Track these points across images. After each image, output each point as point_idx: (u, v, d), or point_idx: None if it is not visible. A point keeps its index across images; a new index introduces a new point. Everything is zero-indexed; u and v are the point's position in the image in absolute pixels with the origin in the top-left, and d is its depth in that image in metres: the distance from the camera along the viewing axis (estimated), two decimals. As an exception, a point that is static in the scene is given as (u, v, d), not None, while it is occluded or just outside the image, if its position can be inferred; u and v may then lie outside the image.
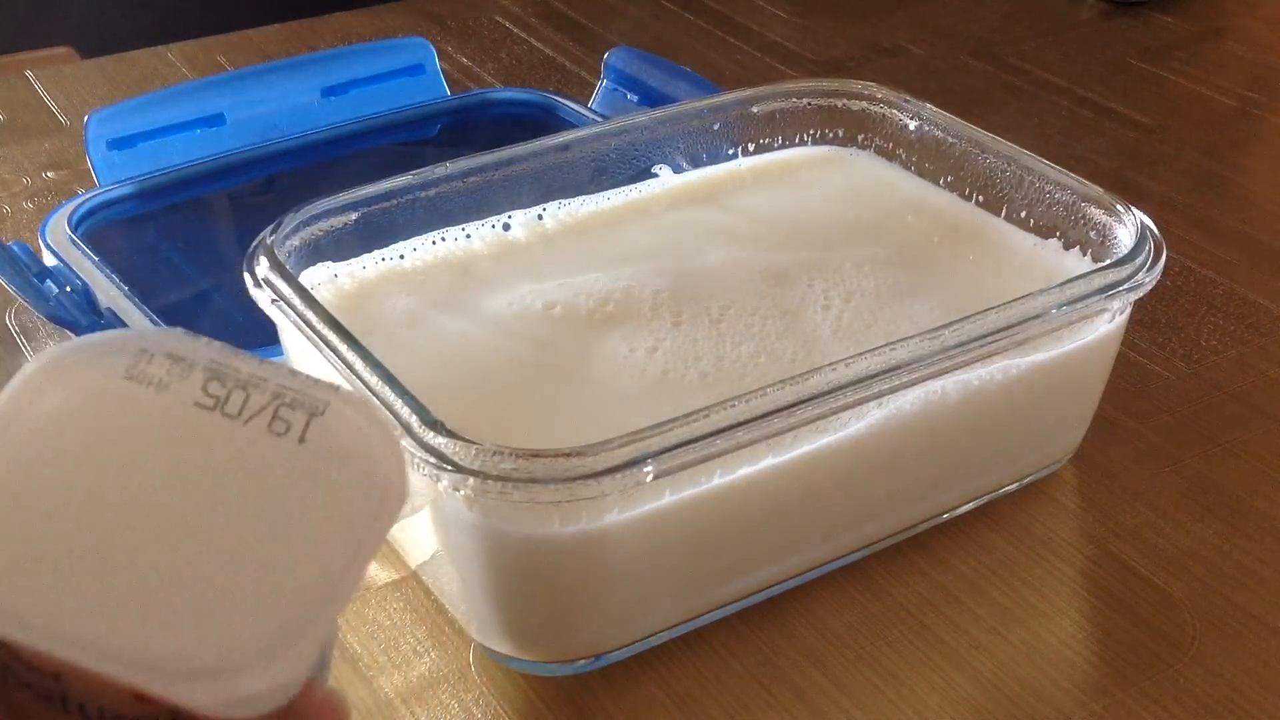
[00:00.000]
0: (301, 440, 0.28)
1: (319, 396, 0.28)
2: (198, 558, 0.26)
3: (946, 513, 0.48)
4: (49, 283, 0.57)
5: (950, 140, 0.55)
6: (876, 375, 0.40)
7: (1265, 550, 0.47)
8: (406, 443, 0.38)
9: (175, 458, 0.28)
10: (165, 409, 0.29)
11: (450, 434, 0.37)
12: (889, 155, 0.58)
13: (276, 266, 0.45)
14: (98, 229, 0.63)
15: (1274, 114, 0.80)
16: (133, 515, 0.27)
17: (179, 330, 0.30)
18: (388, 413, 0.39)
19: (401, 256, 0.51)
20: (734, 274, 0.50)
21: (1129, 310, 0.47)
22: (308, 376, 0.29)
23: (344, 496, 0.27)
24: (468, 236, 0.52)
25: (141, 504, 0.27)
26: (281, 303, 0.44)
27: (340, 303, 0.49)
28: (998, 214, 0.53)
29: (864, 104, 0.58)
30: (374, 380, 0.39)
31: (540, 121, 0.73)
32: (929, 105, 0.56)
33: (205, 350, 0.30)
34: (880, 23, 0.92)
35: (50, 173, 0.73)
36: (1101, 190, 0.50)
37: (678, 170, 0.57)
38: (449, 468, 0.37)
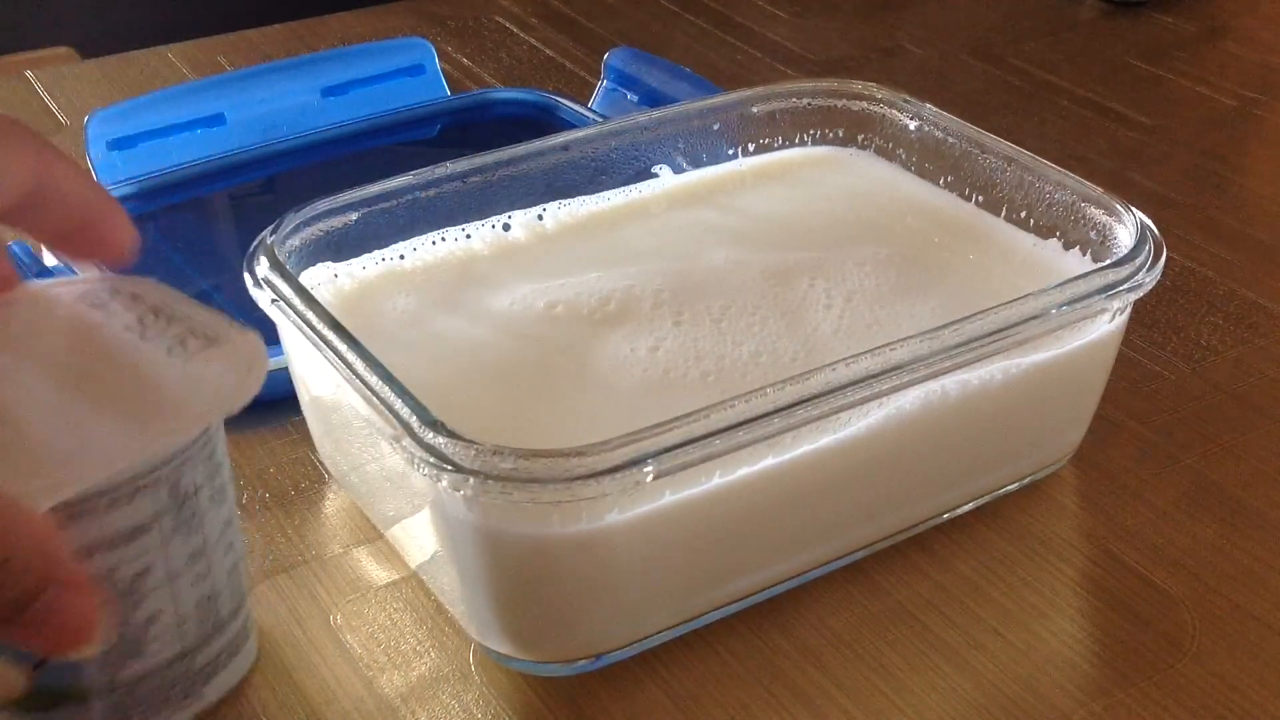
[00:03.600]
0: (188, 360, 0.36)
1: (224, 333, 0.37)
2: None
3: (946, 513, 0.48)
4: (49, 283, 0.57)
5: (950, 140, 0.55)
6: (877, 375, 0.41)
7: (1265, 550, 0.47)
8: (407, 443, 0.38)
9: (81, 350, 0.36)
10: (97, 325, 0.37)
11: (450, 434, 0.37)
12: (889, 155, 0.58)
13: (276, 266, 0.45)
14: (98, 229, 0.63)
15: (1274, 114, 0.80)
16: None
17: (154, 281, 0.39)
18: (390, 412, 0.39)
19: (401, 256, 0.51)
20: (735, 274, 0.50)
21: (1129, 310, 0.47)
22: (230, 320, 0.37)
23: (191, 402, 0.35)
24: (468, 237, 0.52)
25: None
26: (281, 303, 0.44)
27: (340, 303, 0.49)
28: (998, 214, 0.53)
29: (864, 104, 0.58)
30: (374, 380, 0.39)
31: (540, 121, 0.73)
32: (929, 105, 0.56)
33: (165, 295, 0.38)
34: (880, 23, 0.92)
35: (50, 173, 0.73)
36: (1101, 190, 0.50)
37: (678, 170, 0.57)
38: (449, 468, 0.37)
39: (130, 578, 0.37)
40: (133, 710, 0.38)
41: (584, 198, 0.55)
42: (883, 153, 0.58)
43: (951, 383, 0.43)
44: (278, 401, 0.53)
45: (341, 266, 0.50)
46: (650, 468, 0.37)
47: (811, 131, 0.59)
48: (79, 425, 0.35)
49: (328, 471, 0.51)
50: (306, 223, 0.48)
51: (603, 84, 0.74)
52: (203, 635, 0.39)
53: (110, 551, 0.36)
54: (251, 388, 0.36)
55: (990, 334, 0.43)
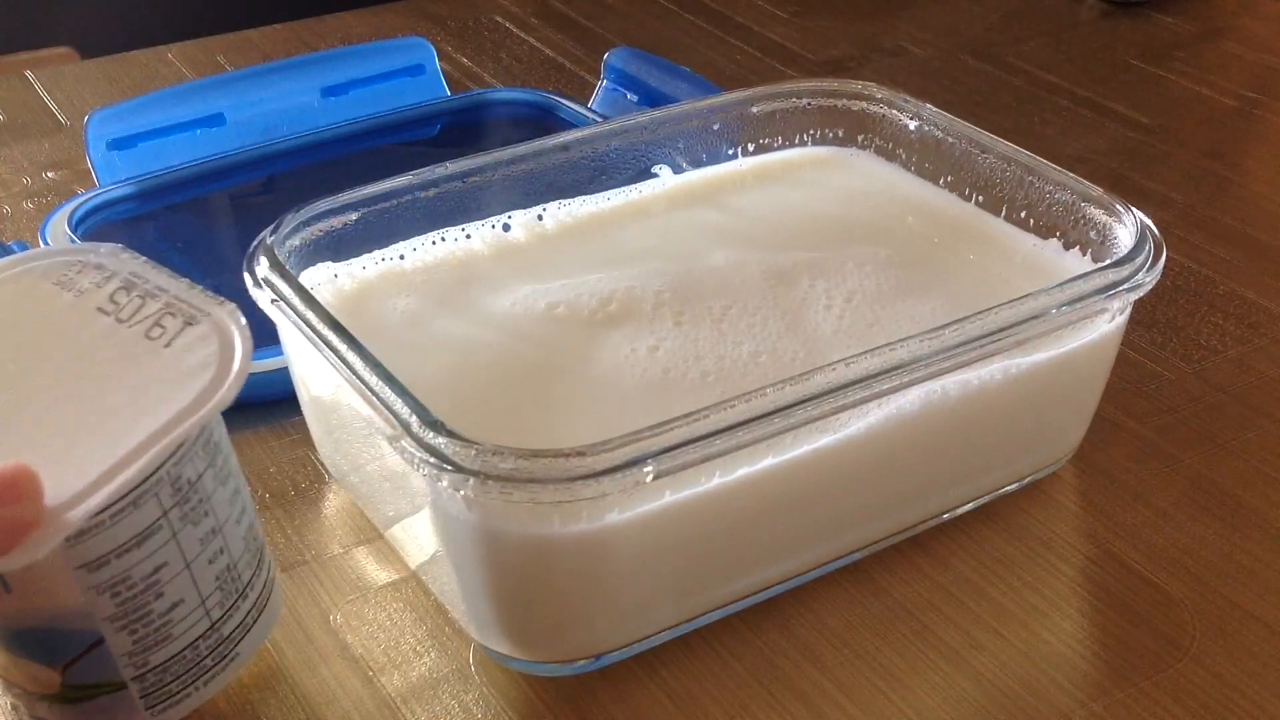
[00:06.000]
0: (168, 345, 0.36)
1: (200, 309, 0.37)
2: (40, 418, 0.35)
3: (946, 513, 0.48)
4: (49, 283, 0.57)
5: (950, 140, 0.55)
6: (877, 375, 0.41)
7: (1265, 550, 0.47)
8: (406, 443, 0.38)
9: (58, 345, 0.37)
10: (69, 309, 0.37)
11: (450, 434, 0.37)
12: (889, 155, 0.58)
13: (276, 266, 0.45)
14: (98, 229, 0.63)
15: (1274, 114, 0.80)
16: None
17: (118, 246, 0.39)
18: (389, 412, 0.39)
19: (401, 256, 0.51)
20: (735, 274, 0.50)
21: (1129, 310, 0.47)
22: (204, 292, 0.38)
23: (179, 396, 0.35)
24: (468, 237, 0.52)
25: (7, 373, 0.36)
26: (281, 303, 0.44)
27: (340, 303, 0.49)
28: (998, 214, 0.53)
29: (864, 104, 0.58)
30: (374, 380, 0.39)
31: (540, 121, 0.73)
32: (929, 105, 0.56)
33: (131, 264, 0.38)
34: (880, 23, 0.92)
35: (50, 173, 0.73)
36: (1101, 190, 0.50)
37: (678, 170, 0.57)
38: (449, 468, 0.37)
39: (146, 575, 0.37)
40: (171, 687, 0.39)
41: (584, 198, 0.55)
42: (883, 153, 0.58)
43: (952, 383, 0.44)
44: (278, 401, 0.53)
45: (341, 266, 0.50)
46: (650, 468, 0.37)
47: (811, 131, 0.59)
48: (67, 451, 0.34)
49: (328, 471, 0.51)
50: (306, 223, 0.48)
51: (603, 84, 0.74)
52: (228, 605, 0.40)
53: (121, 558, 0.36)
54: (238, 377, 0.35)
55: (990, 334, 0.43)
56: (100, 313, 0.38)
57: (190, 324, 0.37)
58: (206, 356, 0.36)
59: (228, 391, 0.35)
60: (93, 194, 0.64)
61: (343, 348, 0.41)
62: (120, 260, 0.39)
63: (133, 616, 0.37)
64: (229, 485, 0.39)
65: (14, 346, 0.38)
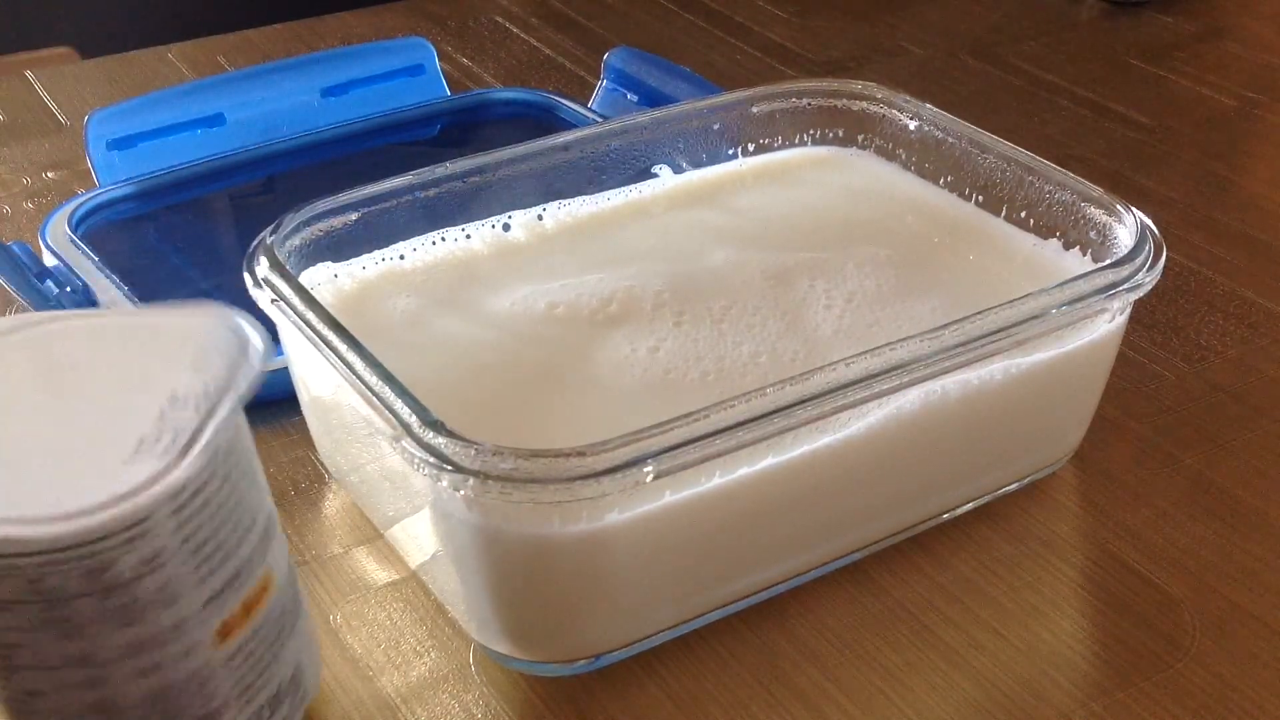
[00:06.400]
0: (133, 460, 0.33)
1: (189, 449, 0.33)
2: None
3: (946, 513, 0.48)
4: (49, 283, 0.57)
5: (950, 140, 0.55)
6: (877, 375, 0.40)
7: (1265, 550, 0.47)
8: (406, 443, 0.38)
9: (90, 391, 0.35)
10: (148, 365, 0.36)
11: (450, 434, 0.37)
12: (889, 155, 0.58)
13: (276, 266, 0.45)
14: (98, 229, 0.63)
15: (1274, 114, 0.80)
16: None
17: (267, 340, 0.36)
18: (390, 412, 0.39)
19: (401, 256, 0.51)
20: (735, 274, 0.50)
21: (1129, 310, 0.47)
22: (211, 421, 0.34)
23: (63, 509, 0.32)
24: (468, 237, 0.52)
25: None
26: (281, 303, 0.44)
27: (340, 303, 0.49)
28: (998, 214, 0.53)
29: (864, 104, 0.58)
30: (374, 380, 0.39)
31: (540, 121, 0.73)
32: (929, 105, 0.56)
33: (240, 353, 0.36)
34: (880, 23, 0.92)
35: (50, 173, 0.73)
36: (1101, 190, 0.50)
37: (678, 170, 0.57)
38: (449, 468, 0.37)
39: None
40: None
41: (584, 198, 0.55)
42: (883, 153, 0.58)
43: (951, 383, 0.44)
44: (278, 401, 0.53)
45: (341, 266, 0.50)
46: (650, 468, 0.37)
47: (811, 131, 0.59)
48: None
49: (328, 471, 0.51)
50: (306, 223, 0.48)
51: (603, 84, 0.74)
52: None
53: None
54: (88, 526, 0.32)
55: (990, 334, 0.43)
56: (167, 395, 0.34)
57: (168, 452, 0.33)
58: (119, 490, 0.32)
59: (66, 530, 0.31)
60: (93, 194, 0.64)
61: (343, 348, 0.41)
62: (248, 348, 0.36)
63: None
64: (126, 634, 0.34)
65: (68, 370, 0.35)
